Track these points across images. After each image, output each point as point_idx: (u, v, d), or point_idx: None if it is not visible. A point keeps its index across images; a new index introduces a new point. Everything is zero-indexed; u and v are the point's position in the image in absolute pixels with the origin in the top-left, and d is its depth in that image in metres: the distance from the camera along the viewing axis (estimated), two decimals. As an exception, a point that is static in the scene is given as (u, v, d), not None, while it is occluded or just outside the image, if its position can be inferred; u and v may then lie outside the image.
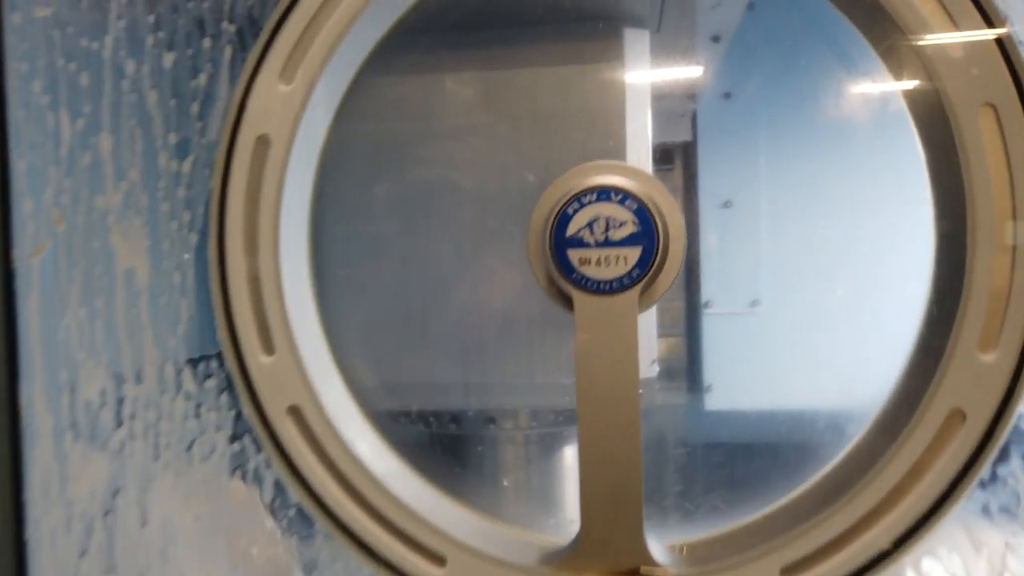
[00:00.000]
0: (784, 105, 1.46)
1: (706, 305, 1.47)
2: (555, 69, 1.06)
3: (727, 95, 1.47)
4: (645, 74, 1.08)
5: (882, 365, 1.47)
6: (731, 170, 1.48)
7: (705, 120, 1.48)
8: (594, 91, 1.05)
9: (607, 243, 0.83)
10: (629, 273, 0.83)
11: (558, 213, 0.83)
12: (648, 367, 1.01)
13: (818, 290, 1.44)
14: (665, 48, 1.24)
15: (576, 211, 0.83)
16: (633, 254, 0.82)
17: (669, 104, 1.42)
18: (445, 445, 1.11)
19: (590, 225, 0.83)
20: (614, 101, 1.03)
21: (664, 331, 1.55)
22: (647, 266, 0.83)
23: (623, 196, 0.82)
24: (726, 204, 1.48)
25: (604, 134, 1.03)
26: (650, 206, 0.82)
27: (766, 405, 1.43)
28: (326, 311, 0.98)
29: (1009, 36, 0.75)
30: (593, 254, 0.83)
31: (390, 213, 1.09)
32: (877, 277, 1.43)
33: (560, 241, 0.83)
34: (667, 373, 1.54)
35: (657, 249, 0.83)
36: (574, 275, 0.83)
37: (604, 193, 0.82)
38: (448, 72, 1.10)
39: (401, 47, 1.09)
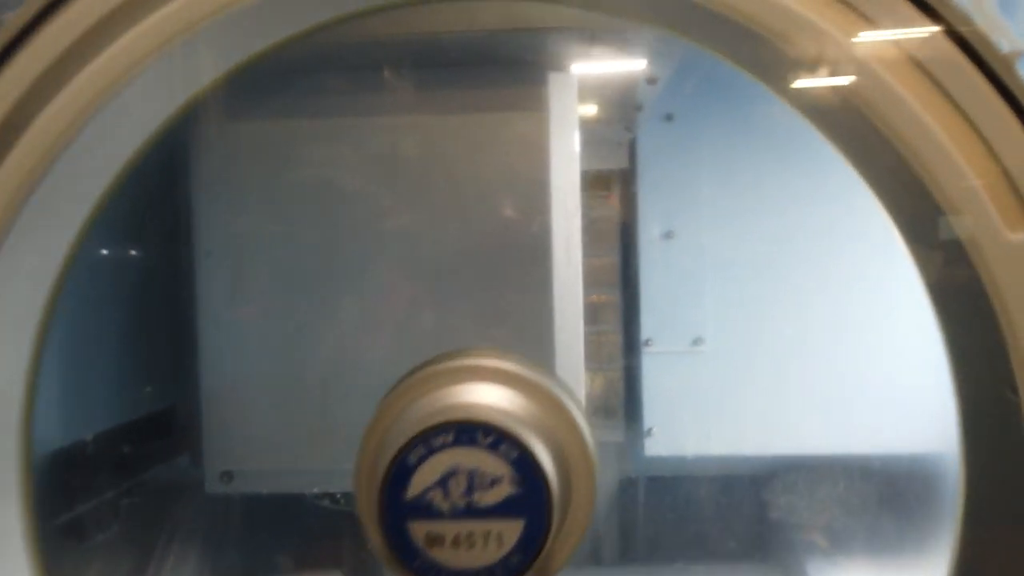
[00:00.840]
0: (730, 126, 1.35)
1: (647, 343, 1.37)
2: (471, 116, 0.93)
3: (669, 117, 1.35)
4: (572, 120, 0.96)
5: (836, 406, 1.41)
6: (673, 198, 1.36)
7: (646, 145, 1.36)
8: (515, 144, 0.93)
9: (470, 512, 0.52)
10: (504, 561, 0.52)
11: (393, 463, 0.51)
12: None
13: (765, 327, 1.35)
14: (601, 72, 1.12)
15: (422, 460, 0.51)
16: (511, 530, 0.52)
17: (606, 129, 1.30)
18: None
19: (443, 483, 0.52)
20: (537, 160, 0.91)
21: (601, 367, 1.45)
22: (533, 550, 0.52)
23: (495, 439, 0.51)
24: (667, 235, 1.37)
25: (524, 203, 0.90)
26: (538, 457, 0.51)
27: (711, 451, 1.34)
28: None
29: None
30: (449, 529, 0.52)
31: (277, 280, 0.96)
32: (828, 312, 1.35)
33: (396, 506, 0.52)
34: (604, 413, 1.44)
35: (548, 522, 0.52)
36: (417, 563, 0.52)
37: (466, 433, 0.51)
38: (350, 116, 0.97)
39: (286, 87, 0.95)
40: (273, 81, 0.96)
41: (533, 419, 0.54)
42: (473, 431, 0.51)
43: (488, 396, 0.54)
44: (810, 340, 1.32)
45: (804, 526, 1.34)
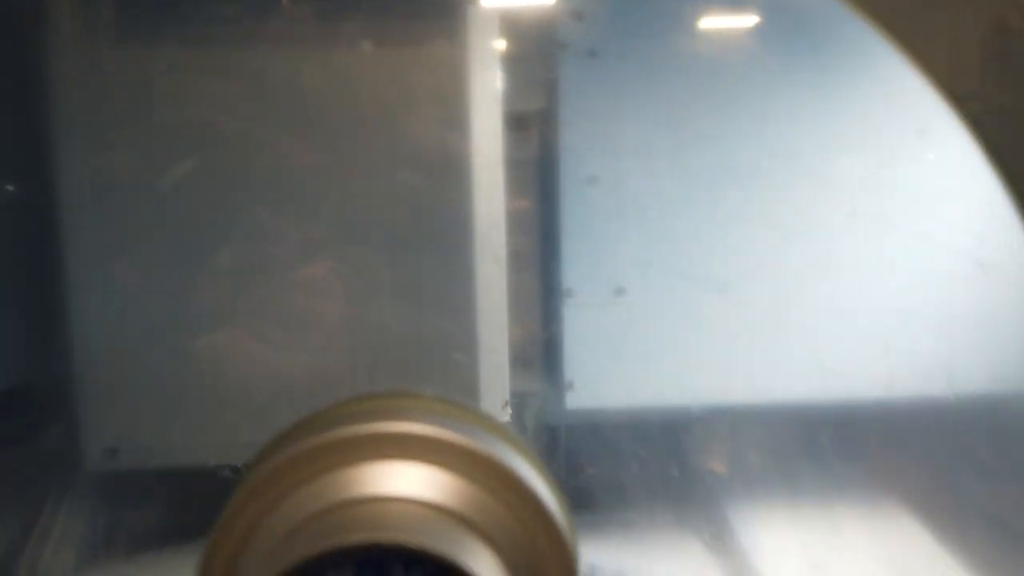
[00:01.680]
0: (657, 64, 1.28)
1: (568, 294, 1.31)
2: (379, 51, 0.83)
3: (593, 53, 1.27)
4: (492, 57, 0.87)
5: (759, 355, 1.39)
6: (596, 140, 1.29)
7: (568, 83, 1.28)
8: (429, 82, 0.83)
9: None
10: None
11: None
12: (500, 411, 0.84)
13: (689, 276, 1.31)
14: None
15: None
16: None
17: (527, 68, 1.21)
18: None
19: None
20: (454, 99, 0.82)
21: (519, 317, 1.39)
22: None
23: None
24: (590, 180, 1.30)
25: (441, 146, 0.81)
26: None
27: (633, 402, 1.31)
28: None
29: None
30: None
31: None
32: (754, 263, 1.32)
33: None
34: (523, 364, 1.39)
35: None
36: None
37: (374, 568, 0.32)
38: (244, 48, 0.85)
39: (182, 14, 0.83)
40: (155, 4, 0.83)
41: (479, 522, 0.36)
42: (385, 563, 0.30)
43: (409, 488, 0.36)
44: (733, 288, 1.29)
45: (725, 473, 1.33)
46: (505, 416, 0.83)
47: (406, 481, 0.35)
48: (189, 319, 0.84)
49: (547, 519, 0.37)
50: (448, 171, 0.84)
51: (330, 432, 0.36)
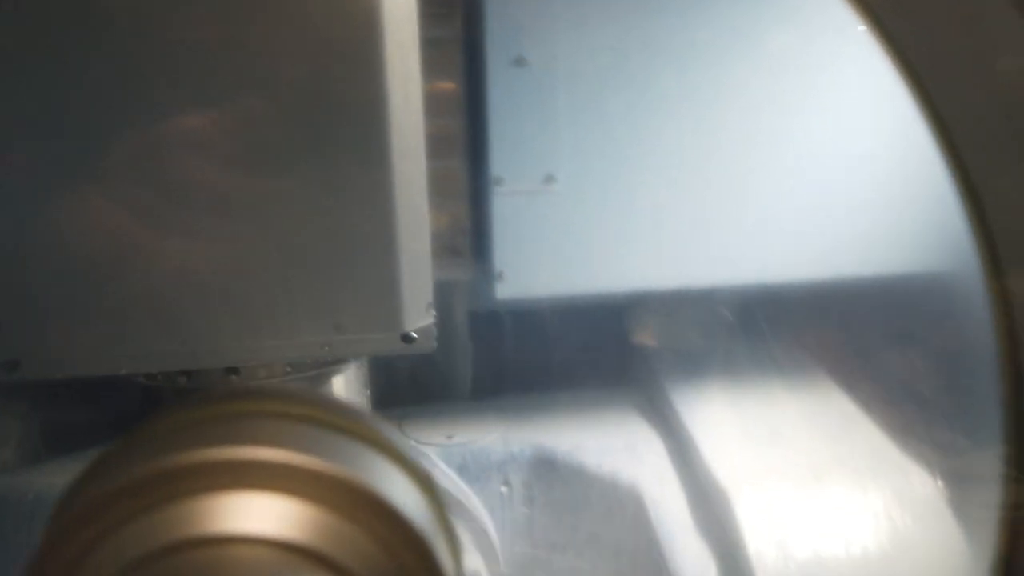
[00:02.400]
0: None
1: (496, 182, 1.26)
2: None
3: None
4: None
5: (690, 243, 1.38)
6: (524, 18, 1.22)
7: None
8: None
9: None
10: None
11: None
12: (424, 313, 0.80)
13: (619, 162, 1.27)
14: None
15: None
16: None
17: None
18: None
19: None
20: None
21: (446, 205, 1.34)
22: None
23: None
24: (518, 62, 1.23)
25: (350, 22, 0.73)
26: None
27: (564, 291, 1.29)
28: None
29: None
30: None
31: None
32: (687, 148, 1.29)
33: None
34: (451, 253, 1.35)
35: None
36: None
37: None
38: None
39: None
40: None
41: (338, 555, 0.30)
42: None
43: (252, 524, 0.29)
44: (665, 175, 1.26)
45: (664, 354, 1.35)
46: (429, 319, 0.79)
47: (249, 516, 0.29)
48: (84, 224, 0.76)
49: (418, 544, 0.32)
50: (358, 52, 0.76)
51: (160, 459, 0.29)
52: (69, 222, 0.78)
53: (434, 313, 0.80)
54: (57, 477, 1.06)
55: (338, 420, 0.34)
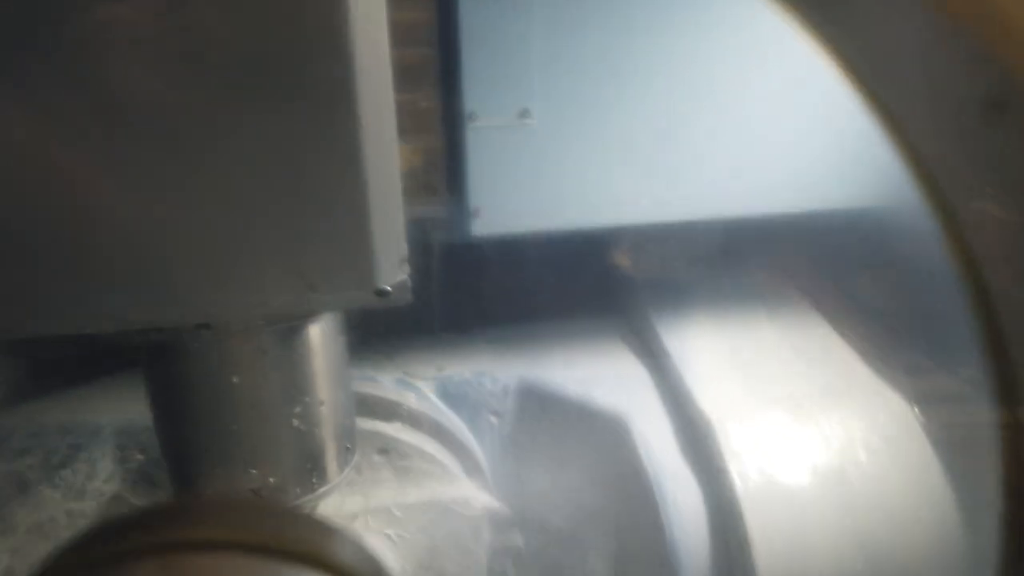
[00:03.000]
0: None
1: (470, 117, 1.23)
2: None
3: None
4: None
5: (667, 175, 1.37)
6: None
7: None
8: None
9: None
10: None
11: None
12: (397, 269, 0.77)
13: (595, 95, 1.25)
14: None
15: None
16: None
17: None
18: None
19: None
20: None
21: (419, 140, 1.31)
22: None
23: None
24: (491, -10, 1.19)
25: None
26: None
27: (542, 227, 1.28)
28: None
29: None
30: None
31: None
32: (665, 81, 1.27)
33: None
34: (425, 191, 1.32)
35: None
36: None
37: None
38: None
39: None
40: None
41: None
42: None
43: None
44: (642, 108, 1.24)
45: (648, 285, 1.35)
46: (403, 273, 0.76)
47: None
48: (20, 165, 0.70)
49: None
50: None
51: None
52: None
53: (408, 268, 0.78)
54: (42, 416, 1.04)
55: (292, 538, 0.31)
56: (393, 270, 0.75)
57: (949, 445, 1.19)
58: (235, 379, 0.76)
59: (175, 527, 0.35)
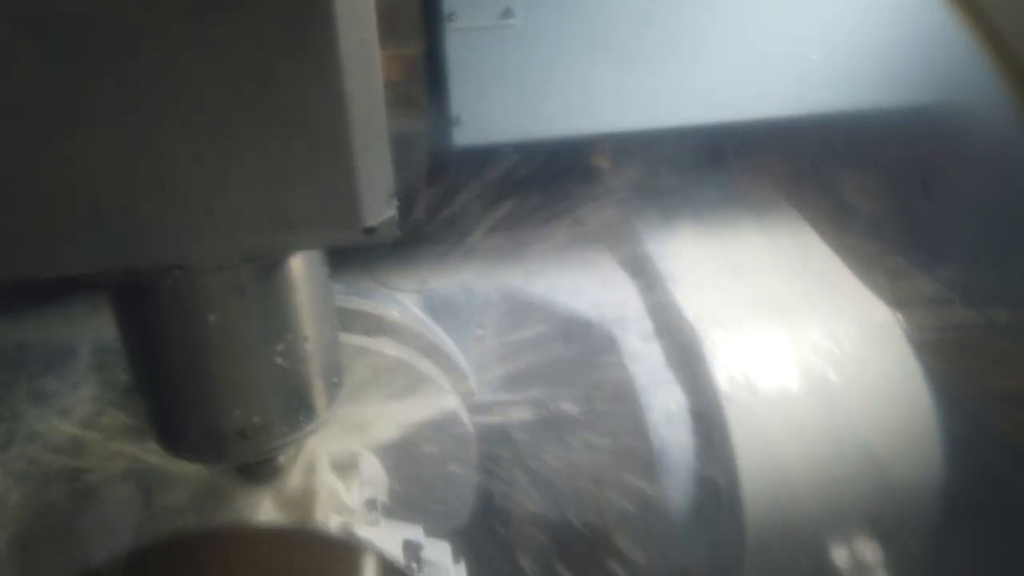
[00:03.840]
0: None
1: (450, 18, 1.19)
2: None
3: None
4: None
5: (654, 81, 1.33)
6: None
7: None
8: None
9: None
10: None
11: None
12: (384, 205, 0.73)
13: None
14: None
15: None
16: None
17: None
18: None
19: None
20: None
21: (398, 46, 1.26)
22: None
23: None
24: None
25: None
26: None
27: (525, 136, 1.25)
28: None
29: None
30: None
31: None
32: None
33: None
34: (405, 102, 1.28)
35: None
36: None
37: None
38: None
39: None
40: None
41: None
42: None
43: None
44: (630, 8, 1.20)
45: (634, 192, 1.33)
46: (391, 210, 0.71)
47: None
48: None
49: None
50: None
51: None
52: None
53: (396, 203, 0.73)
54: (18, 334, 1.03)
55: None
56: (380, 206, 0.69)
57: (929, 348, 1.21)
58: (212, 318, 0.72)
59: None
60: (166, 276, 0.69)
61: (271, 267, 0.74)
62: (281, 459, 0.88)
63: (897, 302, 1.22)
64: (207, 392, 0.77)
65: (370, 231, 0.68)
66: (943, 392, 1.14)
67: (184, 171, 0.63)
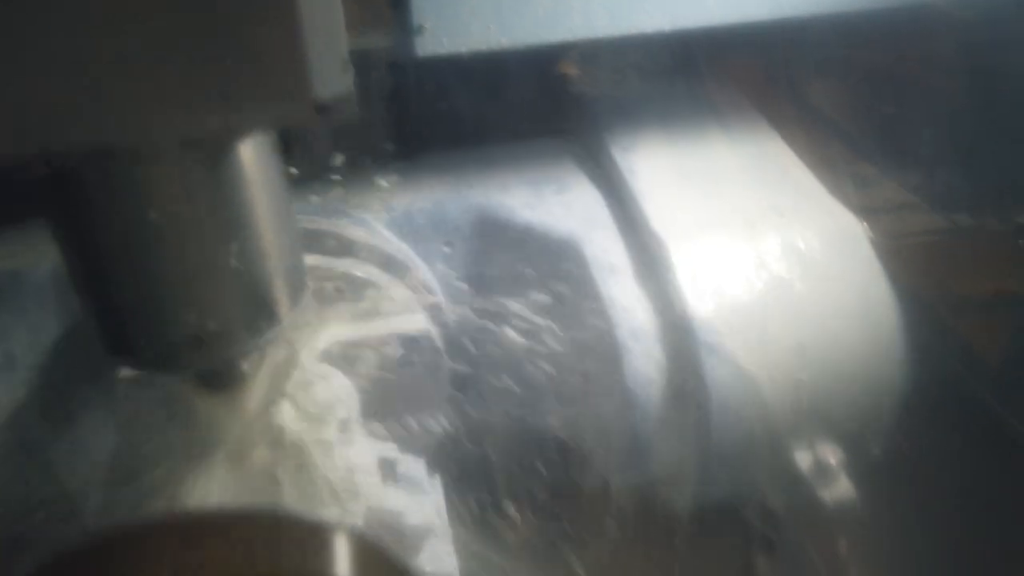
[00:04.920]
0: None
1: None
2: None
3: None
4: None
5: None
6: None
7: None
8: None
9: None
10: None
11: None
12: (339, 71, 0.67)
13: None
14: None
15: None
16: None
17: None
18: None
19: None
20: None
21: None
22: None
23: None
24: None
25: None
26: None
27: (490, 44, 1.21)
28: None
29: None
30: None
31: None
32: None
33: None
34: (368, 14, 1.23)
35: None
36: None
37: None
38: None
39: None
40: None
41: None
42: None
43: None
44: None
45: (602, 103, 1.31)
46: (347, 80, 0.63)
47: None
48: None
49: None
50: None
51: None
52: None
53: (352, 72, 0.66)
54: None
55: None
56: (333, 77, 0.61)
57: (895, 255, 1.22)
58: (153, 214, 0.65)
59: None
60: (99, 166, 0.63)
61: (216, 156, 0.67)
62: (245, 367, 0.85)
63: (864, 209, 1.23)
64: (156, 297, 0.71)
65: (323, 109, 0.61)
66: (907, 298, 1.15)
67: (107, 42, 0.56)
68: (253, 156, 0.69)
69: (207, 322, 0.72)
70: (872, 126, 1.51)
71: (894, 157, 1.51)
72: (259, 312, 0.76)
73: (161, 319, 0.72)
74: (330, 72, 0.60)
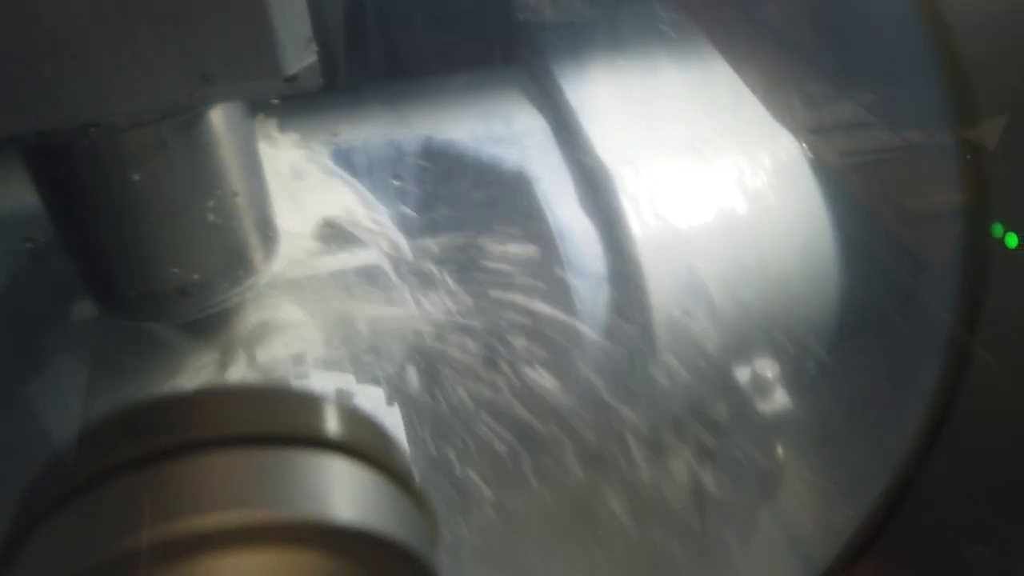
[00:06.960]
0: None
1: None
2: None
3: None
4: None
5: None
6: None
7: None
8: None
9: None
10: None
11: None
12: (304, 47, 0.71)
13: None
14: None
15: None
16: None
17: None
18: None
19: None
20: None
21: None
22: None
23: None
24: None
25: None
26: None
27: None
28: None
29: None
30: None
31: None
32: None
33: None
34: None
35: None
36: None
37: None
38: None
39: None
40: None
41: None
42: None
43: None
44: None
45: (547, 30, 1.30)
46: (311, 55, 0.69)
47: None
48: None
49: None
50: None
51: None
52: None
53: (315, 48, 0.71)
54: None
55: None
56: (299, 51, 0.68)
57: (846, 172, 1.24)
58: (136, 176, 0.72)
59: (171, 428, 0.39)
60: (83, 136, 0.68)
61: (193, 121, 0.73)
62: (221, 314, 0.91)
63: (814, 128, 1.24)
64: (141, 253, 0.78)
65: (291, 79, 0.67)
66: (857, 214, 1.18)
67: (90, 24, 0.60)
68: (225, 119, 0.75)
69: (191, 275, 0.80)
70: (825, 43, 1.51)
71: (847, 74, 1.51)
72: (238, 263, 0.83)
73: (146, 274, 0.79)
74: (296, 47, 0.67)
